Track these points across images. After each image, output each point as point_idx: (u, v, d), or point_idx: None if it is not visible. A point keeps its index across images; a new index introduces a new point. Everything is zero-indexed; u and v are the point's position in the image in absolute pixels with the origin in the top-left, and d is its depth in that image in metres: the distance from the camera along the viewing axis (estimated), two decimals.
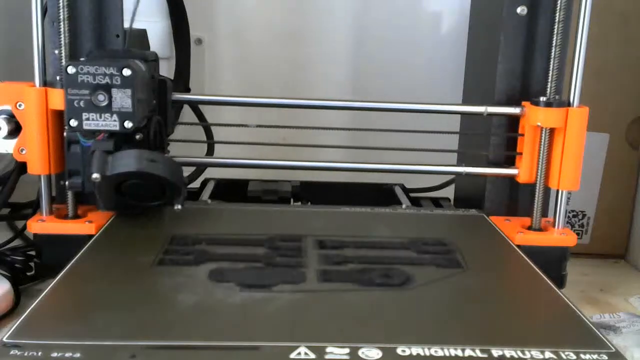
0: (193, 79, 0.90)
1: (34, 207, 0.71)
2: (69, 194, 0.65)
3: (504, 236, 0.65)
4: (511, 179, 0.71)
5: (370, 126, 0.71)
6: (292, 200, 0.81)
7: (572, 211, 0.83)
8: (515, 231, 0.66)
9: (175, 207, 0.61)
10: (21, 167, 0.69)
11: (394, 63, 0.99)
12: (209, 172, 0.89)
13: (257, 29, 1.00)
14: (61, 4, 0.62)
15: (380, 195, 0.86)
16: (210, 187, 0.83)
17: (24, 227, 0.68)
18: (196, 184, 0.86)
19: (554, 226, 0.68)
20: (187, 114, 0.91)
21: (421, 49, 1.00)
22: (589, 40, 0.64)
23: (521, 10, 0.68)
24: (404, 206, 0.77)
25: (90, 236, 0.61)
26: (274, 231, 0.62)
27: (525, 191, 0.71)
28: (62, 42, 0.62)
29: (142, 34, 0.79)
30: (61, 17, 0.62)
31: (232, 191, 0.82)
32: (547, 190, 0.68)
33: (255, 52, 1.01)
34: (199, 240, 0.58)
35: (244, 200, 0.79)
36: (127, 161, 0.57)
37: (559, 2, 0.65)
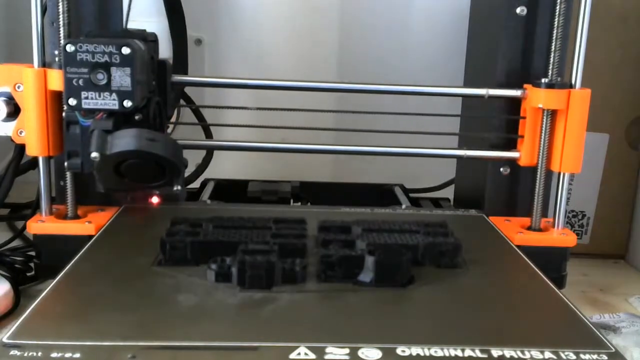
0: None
1: (33, 207, 0.71)
2: (69, 194, 0.65)
3: (504, 236, 0.65)
4: (511, 179, 0.71)
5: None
6: (292, 200, 0.81)
7: (572, 211, 0.83)
8: (515, 231, 0.66)
9: (175, 188, 0.61)
10: (17, 166, 0.69)
11: (393, 59, 1.00)
12: (209, 173, 0.89)
13: (257, 29, 1.00)
14: (61, 4, 0.62)
15: (380, 195, 0.86)
16: (209, 187, 0.83)
17: (24, 228, 0.68)
18: (196, 185, 0.86)
19: (553, 226, 0.68)
20: (187, 113, 0.91)
21: (421, 43, 1.00)
22: (589, 40, 0.64)
23: (521, 10, 0.68)
24: (403, 206, 0.77)
25: (90, 236, 0.61)
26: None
27: (525, 191, 0.71)
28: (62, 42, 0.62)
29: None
30: (60, 17, 0.62)
31: (231, 192, 0.82)
32: (547, 190, 0.68)
33: (255, 52, 1.01)
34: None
35: (244, 200, 0.79)
36: (127, 140, 0.57)
37: None
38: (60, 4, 0.62)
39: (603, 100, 0.77)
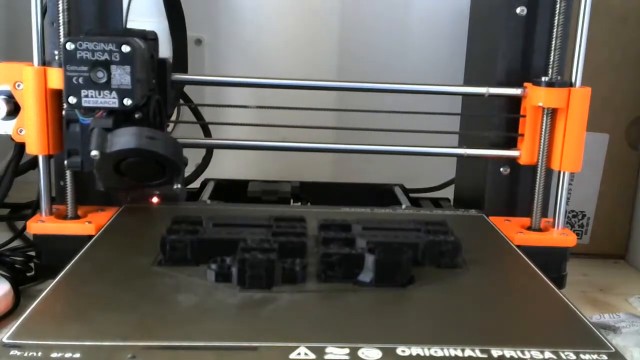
0: (193, 85, 0.90)
1: (33, 207, 0.71)
2: (69, 194, 0.65)
3: (504, 236, 0.65)
4: (511, 179, 0.71)
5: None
6: (292, 200, 0.81)
7: (572, 211, 0.83)
8: (515, 231, 0.66)
9: (175, 187, 0.60)
10: (16, 165, 0.69)
11: (393, 59, 1.00)
12: (209, 173, 0.89)
13: (257, 29, 1.00)
14: (61, 5, 0.62)
15: (380, 195, 0.86)
16: (209, 187, 0.83)
17: (24, 228, 0.68)
18: (196, 185, 0.86)
19: (553, 226, 0.68)
20: (187, 113, 0.91)
21: (421, 43, 1.01)
22: (589, 40, 0.64)
23: (521, 10, 0.68)
24: (403, 206, 0.77)
25: (90, 236, 0.61)
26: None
27: (525, 191, 0.71)
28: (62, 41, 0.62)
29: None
30: (60, 15, 0.62)
31: (231, 192, 0.82)
32: (547, 189, 0.68)
33: (255, 52, 1.01)
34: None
35: (244, 200, 0.79)
36: (126, 138, 0.57)
37: None
38: (60, 2, 0.61)
39: (603, 100, 0.77)
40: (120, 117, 0.59)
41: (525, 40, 0.69)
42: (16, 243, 0.74)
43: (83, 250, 0.57)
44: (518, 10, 0.68)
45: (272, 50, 1.01)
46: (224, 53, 1.01)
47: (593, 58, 0.70)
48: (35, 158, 0.65)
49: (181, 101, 0.85)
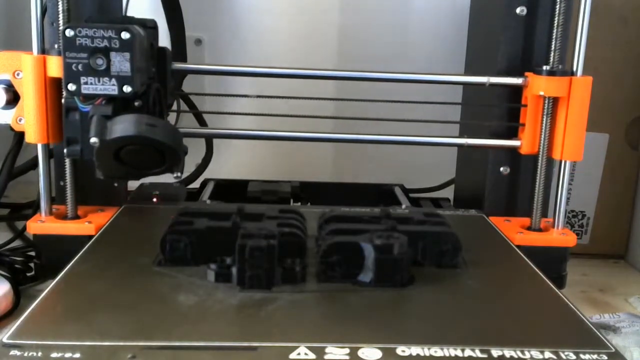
0: (193, 79, 0.90)
1: (33, 207, 0.71)
2: (69, 194, 0.65)
3: (504, 236, 0.65)
4: (511, 179, 0.71)
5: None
6: (292, 200, 0.81)
7: (572, 211, 0.83)
8: (515, 231, 0.66)
9: (174, 176, 0.60)
10: (15, 156, 0.69)
11: (394, 60, 1.00)
12: (209, 173, 0.89)
13: (257, 29, 1.00)
14: (60, 3, 0.62)
15: (380, 195, 0.86)
16: (209, 187, 0.83)
17: (24, 228, 0.68)
18: (196, 185, 0.86)
19: (553, 226, 0.68)
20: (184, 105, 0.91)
21: (421, 39, 1.01)
22: (589, 40, 0.64)
23: (520, 10, 0.68)
24: (403, 206, 0.77)
25: (90, 236, 0.61)
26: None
27: (525, 191, 0.71)
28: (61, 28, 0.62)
29: None
30: (60, 16, 0.62)
31: (231, 192, 0.82)
32: (547, 188, 0.68)
33: (255, 52, 1.01)
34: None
35: (244, 200, 0.79)
36: (126, 125, 0.56)
37: None
38: (60, 2, 0.61)
39: (603, 100, 0.77)
40: (119, 105, 0.59)
41: (526, 34, 0.68)
42: (16, 243, 0.74)
43: (83, 250, 0.57)
44: (518, 10, 0.68)
45: (273, 50, 1.01)
46: (224, 53, 1.01)
47: (593, 58, 0.70)
48: (36, 158, 0.64)
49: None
